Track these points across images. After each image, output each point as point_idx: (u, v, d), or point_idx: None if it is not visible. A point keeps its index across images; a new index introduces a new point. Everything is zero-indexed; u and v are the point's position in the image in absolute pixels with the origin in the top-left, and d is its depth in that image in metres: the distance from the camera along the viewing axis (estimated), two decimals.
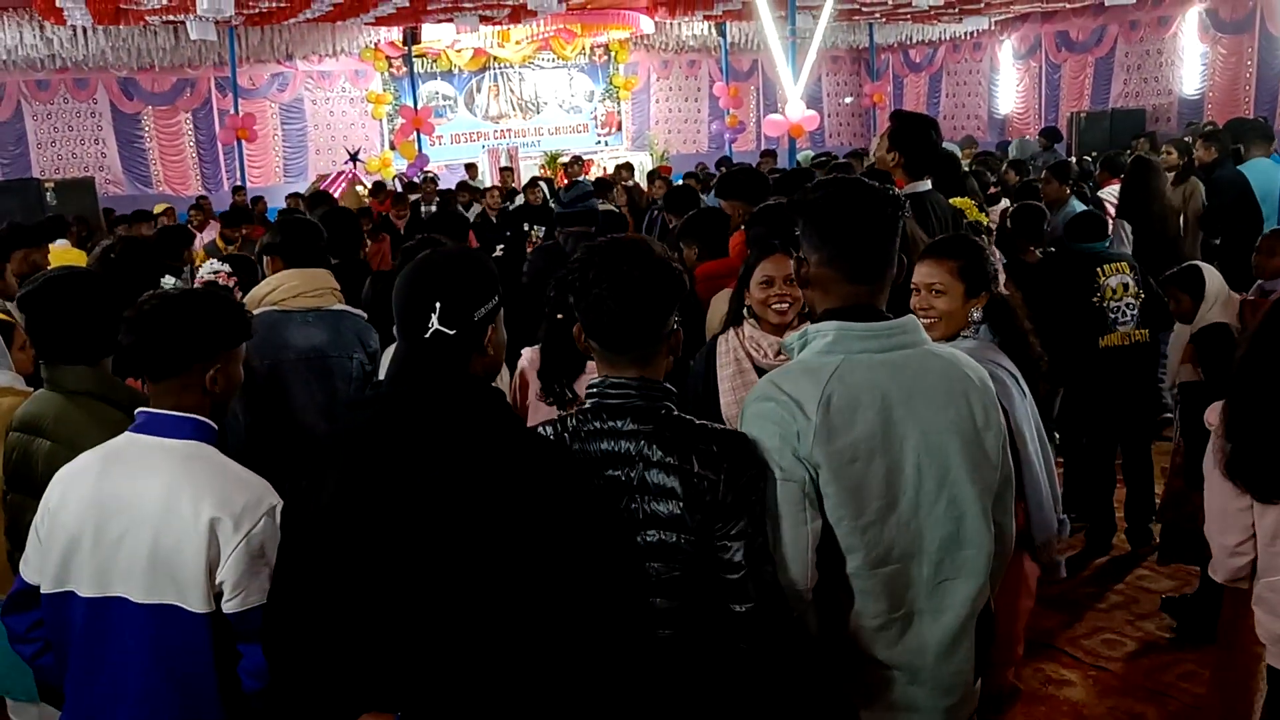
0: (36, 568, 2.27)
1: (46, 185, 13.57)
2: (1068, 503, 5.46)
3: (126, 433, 2.23)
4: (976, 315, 2.94)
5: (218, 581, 2.11)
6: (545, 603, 1.82)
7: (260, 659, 2.08)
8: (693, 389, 3.19)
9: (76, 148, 18.75)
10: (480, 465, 1.84)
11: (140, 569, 2.13)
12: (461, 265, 1.96)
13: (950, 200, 4.50)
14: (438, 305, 1.88)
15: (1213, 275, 4.53)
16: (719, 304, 3.55)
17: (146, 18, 12.94)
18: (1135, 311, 5.04)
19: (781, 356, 2.88)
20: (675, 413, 2.01)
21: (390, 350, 2.27)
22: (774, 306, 3.11)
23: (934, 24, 19.85)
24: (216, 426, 2.23)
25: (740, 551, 1.90)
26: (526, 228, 8.85)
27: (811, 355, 2.05)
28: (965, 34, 20.97)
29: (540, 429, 2.05)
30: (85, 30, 14.84)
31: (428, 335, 1.88)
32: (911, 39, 21.98)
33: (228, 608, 2.11)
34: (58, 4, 11.57)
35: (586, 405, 2.04)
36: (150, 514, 2.11)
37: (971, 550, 2.04)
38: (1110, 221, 6.72)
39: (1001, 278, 2.93)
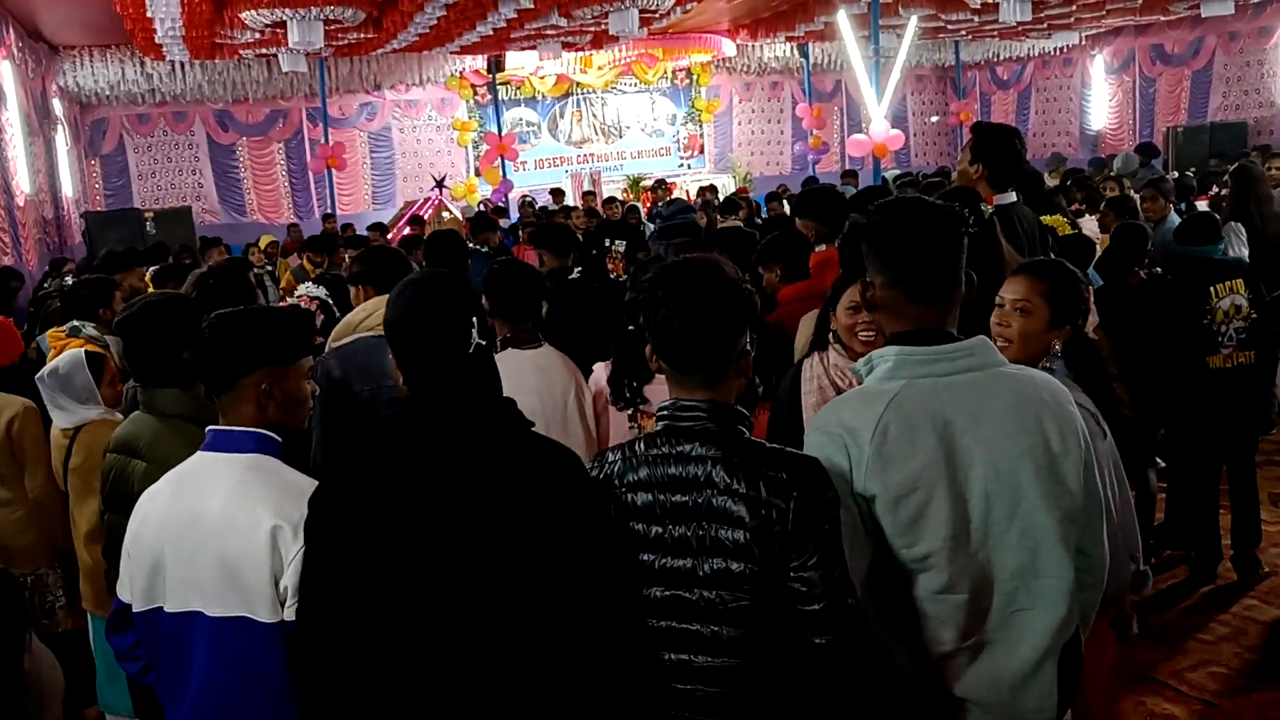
0: (128, 586, 2.34)
1: (147, 215, 14.03)
2: (1170, 531, 5.23)
3: (199, 451, 2.28)
4: (1057, 348, 2.71)
5: (282, 589, 2.12)
6: (561, 615, 1.85)
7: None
8: (777, 414, 3.12)
9: (175, 178, 19.40)
10: (518, 477, 1.88)
11: (211, 582, 2.17)
12: (463, 285, 2.04)
13: (1040, 218, 4.35)
14: (474, 320, 1.93)
15: None
16: (806, 326, 3.47)
17: (240, 52, 13.34)
18: (1243, 335, 4.81)
19: None
20: (747, 436, 1.96)
21: None
22: (861, 335, 2.96)
23: (1022, 40, 19.47)
24: (280, 440, 2.26)
25: (819, 583, 1.83)
26: (608, 243, 8.92)
27: (873, 382, 2.00)
28: (1055, 49, 20.53)
29: (609, 453, 2.04)
30: (182, 65, 15.39)
31: (472, 350, 1.92)
32: (999, 56, 21.62)
33: (289, 615, 2.12)
34: (157, 40, 11.98)
35: (657, 428, 2.01)
36: (215, 528, 2.15)
37: (1050, 580, 1.95)
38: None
39: (1093, 320, 2.73)
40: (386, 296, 3.52)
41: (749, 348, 1.99)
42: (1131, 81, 20.48)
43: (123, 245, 11.75)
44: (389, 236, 12.32)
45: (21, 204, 11.84)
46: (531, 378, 3.24)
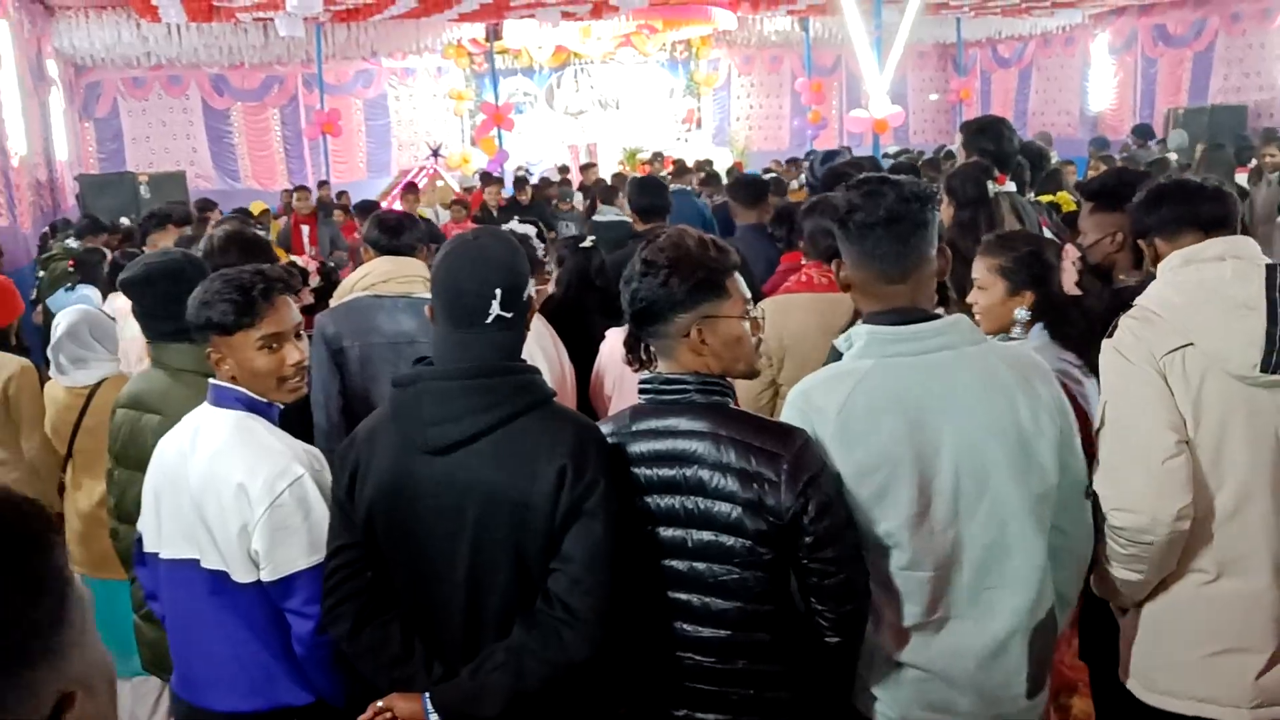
0: (142, 529, 2.41)
1: (141, 179, 13.91)
2: None
3: (204, 403, 2.31)
4: (1022, 315, 2.77)
5: (253, 551, 2.15)
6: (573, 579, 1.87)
7: (300, 629, 2.16)
8: None
9: (169, 143, 19.29)
10: (534, 443, 1.90)
11: (197, 533, 2.22)
12: (509, 246, 2.01)
13: (1043, 197, 4.35)
14: (498, 292, 1.91)
15: None
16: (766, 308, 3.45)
17: (238, 15, 13.21)
18: None
19: None
20: (733, 407, 1.98)
21: None
22: None
23: (1024, 18, 19.36)
24: (269, 402, 2.28)
25: (834, 559, 1.88)
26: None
27: (847, 359, 2.01)
28: (1057, 28, 20.43)
29: (602, 425, 2.06)
30: (179, 28, 15.23)
31: (489, 321, 1.91)
32: (1001, 34, 21.50)
33: (262, 576, 2.16)
34: (153, 2, 11.85)
35: (643, 400, 2.02)
36: (198, 481, 2.20)
37: (1019, 559, 1.96)
38: None
39: (1070, 277, 2.75)
40: (386, 259, 3.60)
41: (713, 324, 1.98)
42: (1133, 62, 20.36)
43: (117, 209, 11.73)
44: (383, 205, 12.23)
45: (16, 165, 11.75)
46: None
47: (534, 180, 14.19)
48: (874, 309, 2.03)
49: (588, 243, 4.19)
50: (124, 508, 2.76)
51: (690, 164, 13.81)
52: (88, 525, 3.55)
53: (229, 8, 12.53)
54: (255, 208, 12.24)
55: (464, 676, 1.91)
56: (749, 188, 5.26)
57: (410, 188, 13.37)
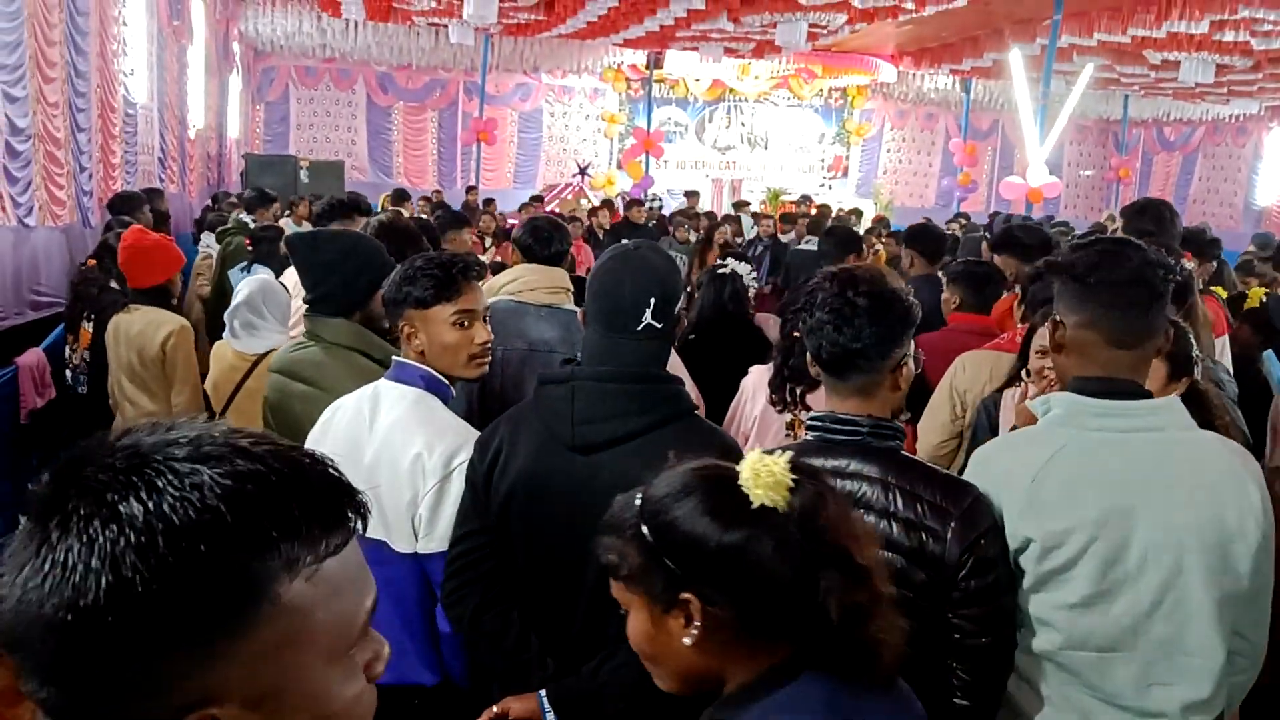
0: None
1: (302, 164, 14.47)
2: None
3: (383, 378, 2.37)
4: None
5: (417, 518, 2.18)
6: None
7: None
8: (977, 443, 3.06)
9: (330, 133, 20.09)
10: (661, 447, 1.87)
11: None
12: (666, 259, 2.05)
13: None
14: (652, 301, 1.95)
15: None
16: (966, 363, 3.38)
17: (414, 18, 13.69)
18: None
19: None
20: (904, 454, 1.93)
21: None
22: (1043, 380, 2.89)
23: (1197, 103, 18.71)
24: (448, 384, 2.34)
25: (981, 620, 1.82)
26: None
27: (1044, 425, 1.92)
28: (1230, 116, 19.69)
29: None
30: (356, 24, 15.87)
31: (640, 328, 1.95)
32: (1169, 115, 20.85)
33: (419, 548, 2.19)
34: None
35: (809, 438, 1.98)
36: (374, 450, 2.24)
37: (1197, 660, 1.85)
38: None
39: (1198, 370, 2.63)
40: (535, 265, 3.66)
41: (907, 361, 1.97)
42: None
43: (277, 189, 12.21)
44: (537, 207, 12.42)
45: (192, 138, 12.38)
46: None
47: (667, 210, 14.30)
48: (1085, 374, 1.92)
49: (724, 269, 4.21)
50: None
51: (835, 212, 13.76)
52: None
53: (406, 10, 13.00)
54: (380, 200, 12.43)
55: (584, 675, 1.92)
56: (933, 241, 5.20)
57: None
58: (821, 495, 1.27)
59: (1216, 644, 1.86)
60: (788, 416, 3.03)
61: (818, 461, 1.91)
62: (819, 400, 2.09)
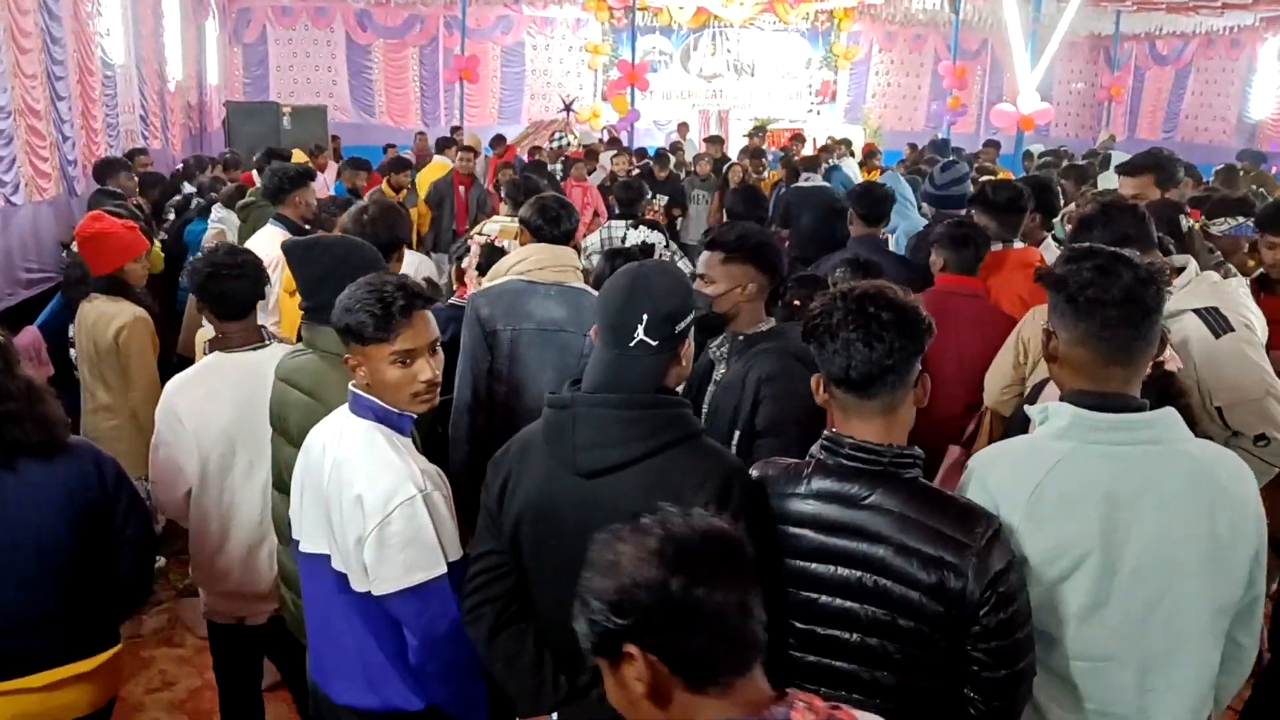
0: (291, 515, 2.46)
1: (284, 110, 14.23)
2: None
3: (345, 406, 2.33)
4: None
5: (363, 563, 2.18)
6: None
7: (410, 641, 2.20)
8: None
9: (311, 74, 19.73)
10: (683, 475, 1.90)
11: (332, 533, 2.27)
12: (670, 279, 2.03)
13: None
14: (644, 317, 1.95)
15: None
16: (1036, 312, 3.33)
17: None
18: None
19: None
20: (923, 483, 1.92)
21: None
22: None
23: (1190, 16, 18.42)
24: (401, 414, 2.27)
25: (1000, 653, 1.83)
26: (650, 195, 8.56)
27: (1043, 436, 1.94)
28: (1224, 29, 19.38)
29: (769, 467, 2.04)
30: None
31: (632, 345, 1.96)
32: (1161, 29, 20.48)
33: (373, 589, 2.18)
34: None
35: (822, 456, 1.97)
36: (329, 485, 2.24)
37: (1190, 670, 1.90)
38: None
39: (1168, 353, 2.61)
40: (543, 245, 3.64)
41: (925, 376, 1.97)
42: None
43: (258, 137, 12.01)
44: (507, 149, 12.23)
45: (172, 90, 12.16)
46: (229, 388, 3.09)
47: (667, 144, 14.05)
48: (1082, 388, 1.93)
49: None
50: (275, 473, 2.84)
51: (822, 139, 13.58)
52: None
53: None
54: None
55: (594, 699, 1.93)
56: (875, 203, 4.96)
57: (535, 151, 13.16)
58: None
59: (1210, 653, 1.92)
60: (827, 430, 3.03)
61: (830, 483, 1.91)
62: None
